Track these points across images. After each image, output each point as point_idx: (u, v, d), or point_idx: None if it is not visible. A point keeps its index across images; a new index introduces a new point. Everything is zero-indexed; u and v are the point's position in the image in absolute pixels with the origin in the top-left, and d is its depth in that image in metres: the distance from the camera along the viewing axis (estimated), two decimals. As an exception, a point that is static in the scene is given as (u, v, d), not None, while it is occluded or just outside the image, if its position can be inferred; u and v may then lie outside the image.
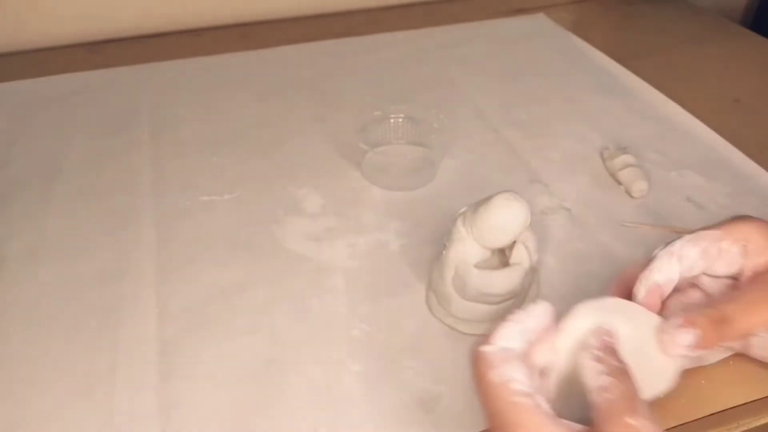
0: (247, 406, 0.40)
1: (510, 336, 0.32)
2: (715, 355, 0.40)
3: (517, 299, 0.43)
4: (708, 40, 0.83)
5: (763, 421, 0.39)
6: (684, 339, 0.33)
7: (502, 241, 0.42)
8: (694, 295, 0.39)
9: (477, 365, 0.31)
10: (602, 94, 0.71)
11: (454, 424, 0.39)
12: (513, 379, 0.30)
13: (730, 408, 0.39)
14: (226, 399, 0.40)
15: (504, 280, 0.42)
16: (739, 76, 0.75)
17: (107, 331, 0.44)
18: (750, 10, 1.07)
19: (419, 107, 0.61)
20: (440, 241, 0.46)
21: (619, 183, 0.57)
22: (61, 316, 0.46)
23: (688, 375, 0.41)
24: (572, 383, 0.33)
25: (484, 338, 0.32)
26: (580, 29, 0.85)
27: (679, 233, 0.40)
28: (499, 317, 0.43)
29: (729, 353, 0.40)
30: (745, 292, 0.36)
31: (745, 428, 0.39)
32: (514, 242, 0.43)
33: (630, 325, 0.35)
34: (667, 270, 0.37)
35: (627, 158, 0.57)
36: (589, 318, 0.34)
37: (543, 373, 0.34)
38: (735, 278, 0.38)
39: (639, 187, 0.55)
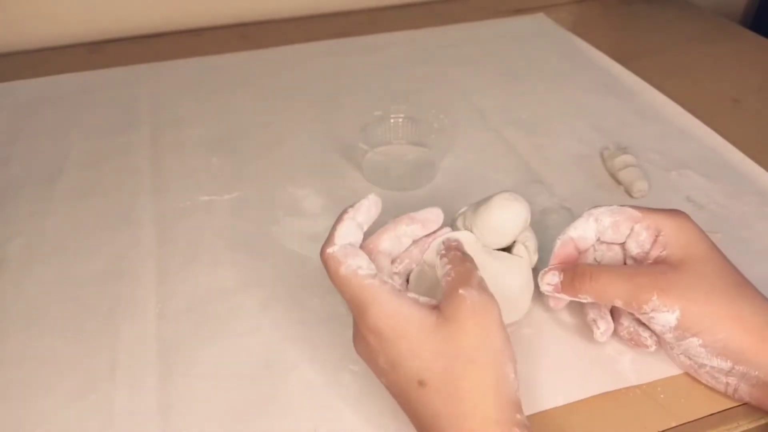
0: (247, 406, 0.40)
1: (348, 232, 0.37)
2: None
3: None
4: (708, 40, 0.83)
5: (763, 421, 0.39)
6: (550, 278, 0.41)
7: (502, 241, 0.42)
8: (615, 248, 0.43)
9: (328, 265, 0.36)
10: (602, 94, 0.71)
11: (454, 424, 0.39)
12: (359, 267, 0.35)
13: (730, 408, 0.39)
14: (226, 399, 0.40)
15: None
16: (739, 76, 0.75)
17: (107, 331, 0.44)
18: (750, 10, 1.06)
19: (419, 107, 0.61)
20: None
21: (619, 183, 0.57)
22: (61, 316, 0.46)
23: (687, 376, 0.41)
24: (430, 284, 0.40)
25: (328, 240, 0.37)
26: (580, 29, 0.84)
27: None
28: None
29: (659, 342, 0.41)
30: (621, 266, 0.42)
31: (745, 428, 0.39)
32: (514, 242, 0.43)
33: (491, 256, 0.41)
34: (582, 228, 0.42)
35: (627, 158, 0.57)
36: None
37: (390, 257, 0.41)
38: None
39: (639, 187, 0.55)
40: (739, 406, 0.39)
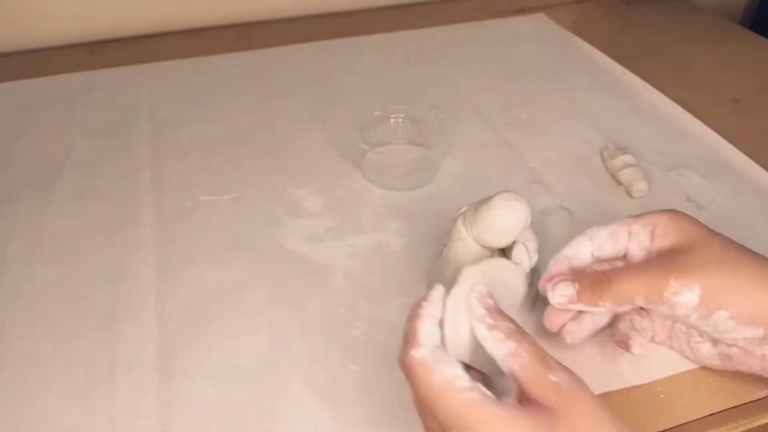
0: (247, 406, 0.40)
1: (431, 332, 0.32)
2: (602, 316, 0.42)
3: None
4: (708, 40, 0.83)
5: (763, 421, 0.39)
6: (563, 289, 0.38)
7: (502, 241, 0.42)
8: (618, 264, 0.41)
9: (417, 372, 0.30)
10: (602, 94, 0.71)
11: (454, 424, 0.39)
12: (456, 377, 0.30)
13: (730, 408, 0.39)
14: (226, 399, 0.40)
15: (504, 280, 0.42)
16: (739, 76, 0.75)
17: (107, 332, 0.44)
18: (750, 10, 1.06)
19: (419, 107, 0.61)
20: (440, 241, 0.46)
21: (619, 183, 0.57)
22: (60, 317, 0.46)
23: (687, 376, 0.41)
24: (471, 351, 0.34)
25: (409, 340, 0.31)
26: (580, 29, 0.84)
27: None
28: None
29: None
30: (633, 264, 0.40)
31: (745, 428, 0.39)
32: (514, 242, 0.43)
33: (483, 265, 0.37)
34: (576, 246, 0.41)
35: (627, 158, 0.57)
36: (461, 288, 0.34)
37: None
38: None
39: (639, 187, 0.55)
40: (739, 406, 0.39)
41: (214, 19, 0.87)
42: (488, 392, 0.30)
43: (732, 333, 0.37)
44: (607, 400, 0.40)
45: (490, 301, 0.33)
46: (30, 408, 0.40)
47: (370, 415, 0.39)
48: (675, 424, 0.39)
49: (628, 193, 0.56)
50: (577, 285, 0.38)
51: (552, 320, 0.41)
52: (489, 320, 0.32)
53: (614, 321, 0.42)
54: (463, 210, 0.44)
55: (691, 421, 0.39)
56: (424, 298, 0.33)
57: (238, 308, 0.46)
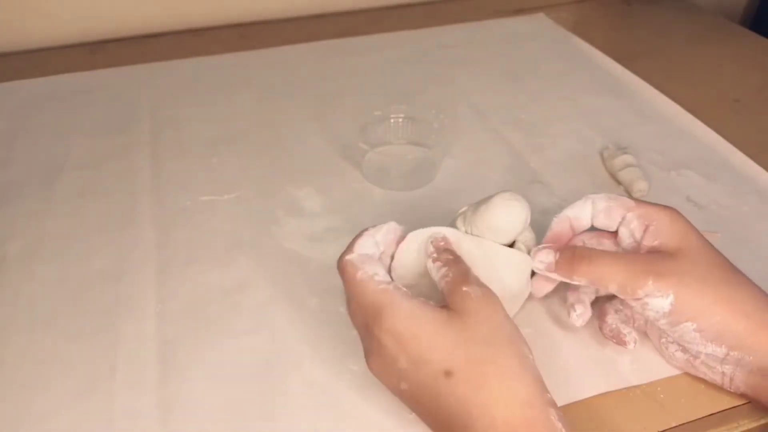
0: (247, 406, 0.40)
1: (366, 245, 0.39)
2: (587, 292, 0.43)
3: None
4: (708, 40, 0.83)
5: (763, 421, 0.39)
6: (544, 256, 0.40)
7: (501, 241, 0.42)
8: (605, 242, 0.43)
9: (346, 270, 0.37)
10: (602, 94, 0.71)
11: (454, 424, 0.39)
12: (376, 273, 0.36)
13: (730, 408, 0.39)
14: (226, 399, 0.40)
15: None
16: (739, 76, 0.75)
17: (107, 331, 0.44)
18: (750, 10, 1.06)
19: (419, 107, 0.61)
20: (440, 241, 0.46)
21: (619, 183, 0.57)
22: (61, 316, 0.46)
23: (687, 377, 0.41)
24: (421, 285, 0.41)
25: (347, 249, 0.38)
26: (580, 29, 0.85)
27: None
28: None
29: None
30: (619, 252, 0.42)
31: (745, 428, 0.39)
32: (514, 242, 0.43)
33: (474, 242, 0.41)
34: (579, 208, 0.42)
35: (627, 158, 0.57)
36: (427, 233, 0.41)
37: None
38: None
39: (639, 187, 0.55)
40: (738, 406, 0.39)
41: (214, 19, 0.87)
42: (404, 289, 0.36)
43: (696, 345, 0.38)
44: (607, 400, 0.40)
45: (441, 243, 0.40)
46: (30, 408, 0.40)
47: (369, 415, 0.39)
48: (675, 424, 0.38)
49: (628, 193, 0.56)
50: (557, 255, 0.40)
51: (536, 286, 0.43)
52: (434, 254, 0.39)
53: (601, 315, 0.42)
54: (463, 210, 0.44)
55: (691, 421, 0.39)
56: (373, 225, 0.40)
57: (238, 308, 0.46)
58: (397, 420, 0.39)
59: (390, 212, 0.55)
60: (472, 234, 0.42)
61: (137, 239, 0.52)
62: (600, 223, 0.42)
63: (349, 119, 0.60)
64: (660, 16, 0.90)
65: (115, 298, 0.47)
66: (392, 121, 0.61)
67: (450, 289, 0.36)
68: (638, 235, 0.40)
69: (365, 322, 0.36)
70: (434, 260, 0.39)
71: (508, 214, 0.41)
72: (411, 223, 0.53)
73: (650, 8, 0.92)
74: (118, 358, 0.43)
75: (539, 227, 0.44)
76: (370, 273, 0.36)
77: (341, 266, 0.38)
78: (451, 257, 0.39)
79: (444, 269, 0.38)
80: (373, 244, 0.39)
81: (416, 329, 0.34)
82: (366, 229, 0.40)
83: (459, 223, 0.43)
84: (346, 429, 0.39)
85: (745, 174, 0.59)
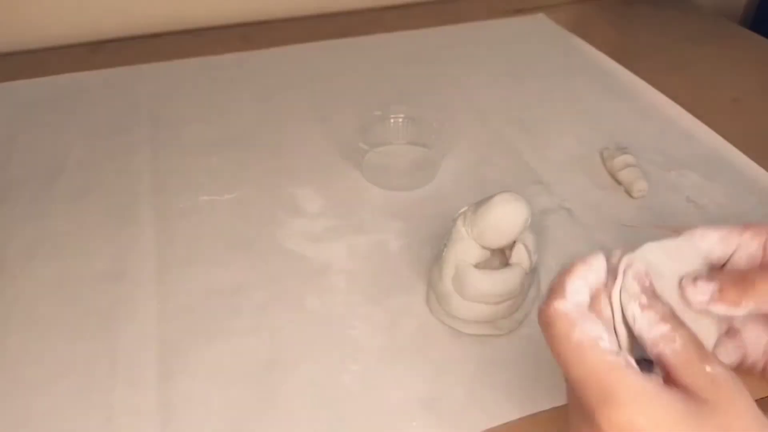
0: (247, 406, 0.40)
1: (579, 290, 0.30)
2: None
3: (517, 300, 0.43)
4: (708, 40, 0.83)
5: (763, 421, 0.39)
6: (704, 287, 0.31)
7: (502, 241, 0.42)
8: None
9: (556, 324, 0.28)
10: (602, 94, 0.71)
11: (453, 424, 0.39)
12: (600, 337, 0.28)
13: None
14: (226, 399, 0.40)
15: (504, 281, 0.42)
16: (739, 76, 0.75)
17: (107, 331, 0.44)
18: (750, 10, 1.06)
19: (419, 107, 0.61)
20: (440, 241, 0.46)
21: (619, 183, 0.57)
22: (61, 316, 0.46)
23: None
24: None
25: (555, 292, 0.29)
26: (580, 29, 0.84)
27: (678, 233, 0.40)
28: (500, 317, 0.43)
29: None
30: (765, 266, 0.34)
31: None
32: (514, 242, 0.43)
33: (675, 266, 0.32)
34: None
35: (627, 158, 0.57)
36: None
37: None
38: None
39: (639, 187, 0.55)
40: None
41: (215, 19, 0.87)
42: (633, 362, 0.27)
43: None
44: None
45: (647, 282, 0.31)
46: (30, 408, 0.40)
47: (369, 415, 0.39)
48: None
49: (628, 193, 0.56)
50: (718, 282, 0.32)
51: None
52: (644, 300, 0.30)
53: (742, 359, 0.36)
54: (463, 210, 0.44)
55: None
56: (582, 259, 0.31)
57: (238, 308, 0.46)
58: (397, 420, 0.39)
59: (390, 212, 0.55)
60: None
61: (137, 239, 0.52)
62: (718, 255, 0.35)
63: (349, 119, 0.60)
64: (660, 16, 0.90)
65: (115, 298, 0.47)
66: (392, 121, 0.61)
67: (682, 363, 0.28)
68: (759, 254, 0.34)
69: (581, 398, 0.28)
70: (644, 308, 0.30)
71: (509, 214, 0.41)
72: (411, 223, 0.54)
73: (650, 8, 0.92)
74: (118, 358, 0.43)
75: (539, 227, 0.44)
76: (592, 335, 0.28)
77: (548, 316, 0.29)
78: (666, 310, 0.30)
79: (666, 328, 0.29)
80: (585, 287, 0.30)
81: (658, 422, 0.26)
82: (573, 264, 0.31)
83: (459, 223, 0.43)
84: (346, 429, 0.39)
85: (745, 174, 0.59)
